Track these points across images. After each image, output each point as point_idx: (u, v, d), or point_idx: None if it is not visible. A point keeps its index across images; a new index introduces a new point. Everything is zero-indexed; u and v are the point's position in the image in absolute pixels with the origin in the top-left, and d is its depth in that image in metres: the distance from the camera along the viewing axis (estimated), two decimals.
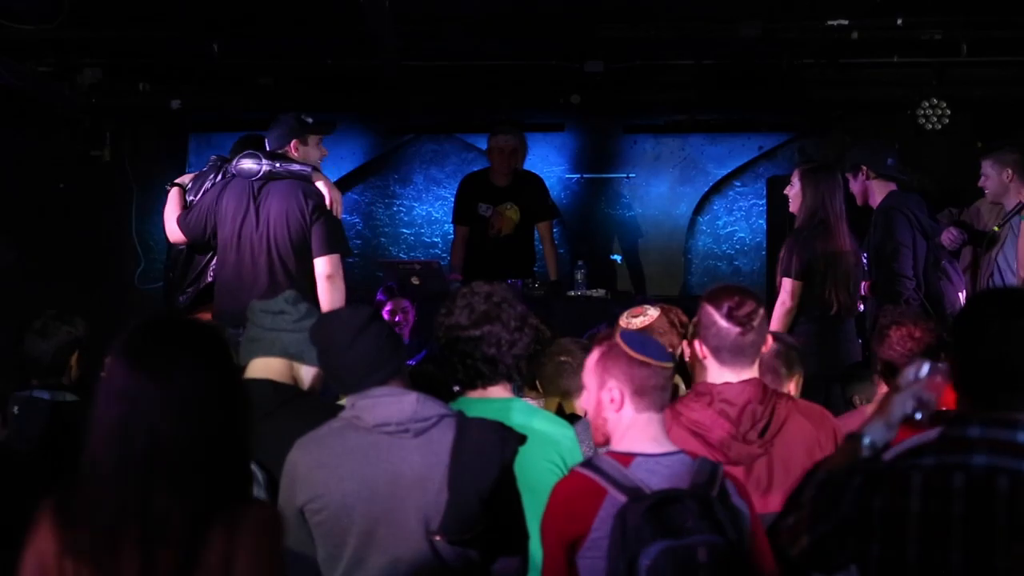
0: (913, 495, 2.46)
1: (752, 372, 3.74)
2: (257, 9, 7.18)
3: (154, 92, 8.25)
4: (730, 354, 3.70)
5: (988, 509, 2.39)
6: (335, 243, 5.92)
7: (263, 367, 3.74)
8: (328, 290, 5.82)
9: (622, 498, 3.02)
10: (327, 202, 5.95)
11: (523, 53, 8.08)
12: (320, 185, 5.98)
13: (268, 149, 6.08)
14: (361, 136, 9.47)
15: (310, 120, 6.18)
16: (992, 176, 6.91)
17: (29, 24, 6.79)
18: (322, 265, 5.87)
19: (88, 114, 8.24)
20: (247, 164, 5.97)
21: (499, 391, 3.79)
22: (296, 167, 5.97)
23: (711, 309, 3.72)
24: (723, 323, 3.69)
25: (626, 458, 3.13)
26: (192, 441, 2.31)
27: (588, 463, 3.17)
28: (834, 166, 6.94)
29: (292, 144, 6.07)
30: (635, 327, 4.40)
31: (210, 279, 6.18)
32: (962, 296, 6.83)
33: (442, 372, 4.08)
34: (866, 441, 2.70)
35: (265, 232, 5.88)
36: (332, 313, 3.68)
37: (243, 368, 3.74)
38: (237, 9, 7.17)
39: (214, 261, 6.19)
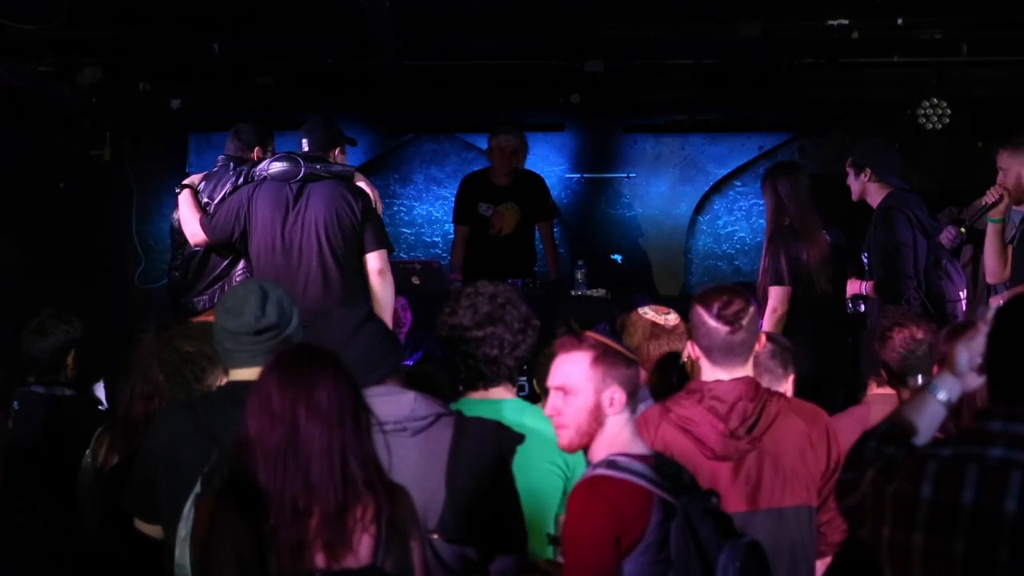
0: (925, 481, 2.46)
1: (745, 371, 3.74)
2: (257, 9, 7.17)
3: (154, 92, 8.25)
4: (721, 353, 3.71)
5: (998, 502, 2.38)
6: (383, 239, 6.07)
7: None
8: (381, 284, 5.96)
9: (671, 499, 2.99)
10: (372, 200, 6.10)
11: (523, 53, 8.07)
12: (362, 185, 6.10)
13: (308, 148, 6.15)
14: (361, 136, 9.41)
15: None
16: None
17: (29, 24, 6.78)
18: (374, 261, 5.99)
19: (88, 114, 8.24)
20: (284, 166, 5.96)
21: (501, 392, 3.79)
22: (337, 167, 6.09)
23: (701, 309, 3.73)
24: (712, 323, 3.70)
25: (645, 459, 3.10)
26: (351, 435, 2.77)
27: (614, 465, 3.08)
28: (786, 164, 7.00)
29: (336, 149, 6.23)
30: (671, 324, 4.46)
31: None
32: (963, 295, 6.82)
33: (440, 371, 4.08)
34: (940, 396, 2.71)
35: (313, 233, 5.91)
36: (328, 313, 3.67)
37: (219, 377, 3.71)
38: (237, 9, 7.16)
39: (240, 265, 6.18)
